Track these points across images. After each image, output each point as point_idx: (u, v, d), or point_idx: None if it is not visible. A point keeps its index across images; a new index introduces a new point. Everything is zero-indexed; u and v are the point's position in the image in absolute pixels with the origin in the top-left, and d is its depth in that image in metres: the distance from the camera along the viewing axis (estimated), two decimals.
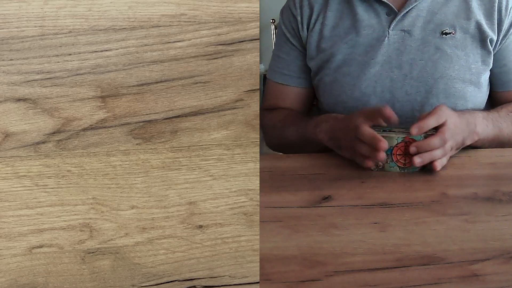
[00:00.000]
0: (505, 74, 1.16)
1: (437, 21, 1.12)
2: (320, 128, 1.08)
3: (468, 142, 1.01)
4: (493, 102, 1.19)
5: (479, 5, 1.13)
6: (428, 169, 0.96)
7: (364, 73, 1.13)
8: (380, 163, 0.96)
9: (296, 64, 1.25)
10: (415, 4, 1.13)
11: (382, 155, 0.93)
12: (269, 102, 1.28)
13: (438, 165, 0.94)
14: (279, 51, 1.27)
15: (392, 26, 1.13)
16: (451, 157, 0.99)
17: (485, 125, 1.04)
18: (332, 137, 1.04)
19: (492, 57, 1.14)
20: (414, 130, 0.92)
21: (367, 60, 1.14)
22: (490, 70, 1.15)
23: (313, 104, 1.31)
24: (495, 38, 1.12)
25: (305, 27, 1.22)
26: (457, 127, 0.97)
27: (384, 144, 0.92)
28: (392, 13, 1.14)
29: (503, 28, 1.12)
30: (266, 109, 1.27)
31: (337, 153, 1.04)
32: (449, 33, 1.11)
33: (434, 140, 0.93)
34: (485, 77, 1.15)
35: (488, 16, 1.12)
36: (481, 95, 1.15)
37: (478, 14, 1.12)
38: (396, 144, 0.95)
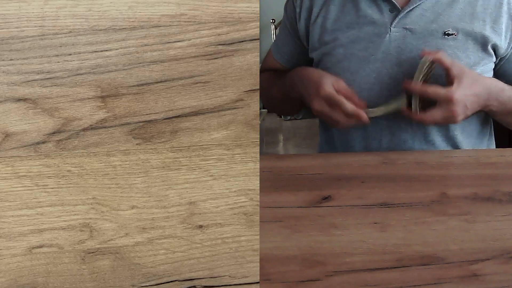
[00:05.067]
0: None
1: (440, 22, 1.12)
2: (295, 88, 1.15)
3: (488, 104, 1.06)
4: None
5: (485, 9, 1.12)
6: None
7: (363, 69, 1.14)
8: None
9: (288, 49, 1.32)
10: (419, 3, 1.13)
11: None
12: (262, 67, 1.38)
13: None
14: (280, 31, 1.36)
15: (394, 23, 1.13)
16: (451, 157, 0.99)
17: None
18: (304, 95, 1.12)
19: (493, 61, 1.13)
20: (408, 84, 1.01)
21: (367, 56, 1.14)
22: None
23: None
24: (499, 42, 1.11)
25: (302, 19, 1.23)
26: (468, 96, 1.01)
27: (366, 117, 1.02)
28: (395, 10, 1.14)
29: None
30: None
31: (337, 153, 1.04)
32: (451, 34, 1.11)
33: (436, 113, 1.01)
34: None
35: (494, 21, 1.12)
36: None
37: (483, 18, 1.12)
38: None
